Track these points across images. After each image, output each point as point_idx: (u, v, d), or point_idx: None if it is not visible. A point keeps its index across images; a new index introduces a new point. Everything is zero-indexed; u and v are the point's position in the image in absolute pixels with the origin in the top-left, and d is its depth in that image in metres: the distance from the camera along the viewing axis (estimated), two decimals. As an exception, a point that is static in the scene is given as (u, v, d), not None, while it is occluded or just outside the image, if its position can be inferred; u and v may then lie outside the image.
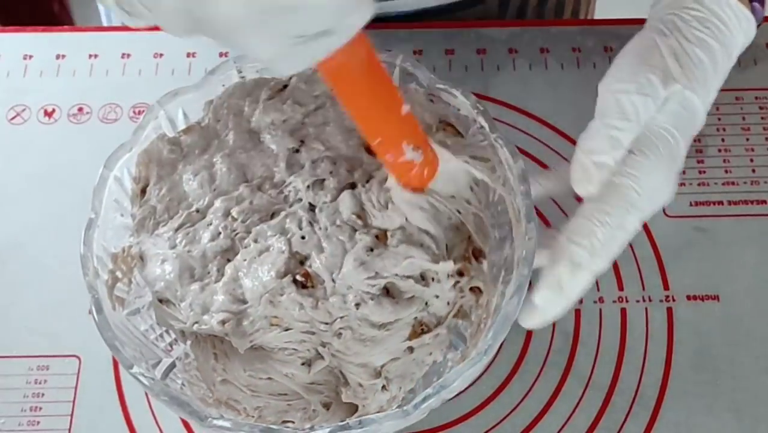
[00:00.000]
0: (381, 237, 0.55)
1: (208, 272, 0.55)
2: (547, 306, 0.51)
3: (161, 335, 0.56)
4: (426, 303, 0.55)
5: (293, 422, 0.55)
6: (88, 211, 0.54)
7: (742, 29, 0.56)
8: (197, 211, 0.57)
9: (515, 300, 0.51)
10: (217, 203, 0.57)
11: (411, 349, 0.55)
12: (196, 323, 0.54)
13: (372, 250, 0.54)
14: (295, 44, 0.41)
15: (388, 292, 0.54)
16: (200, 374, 0.55)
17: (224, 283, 0.54)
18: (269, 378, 0.55)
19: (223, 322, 0.53)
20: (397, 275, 0.54)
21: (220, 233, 0.56)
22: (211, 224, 0.56)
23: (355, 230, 0.55)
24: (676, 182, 0.53)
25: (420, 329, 0.55)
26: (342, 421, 0.52)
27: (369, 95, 0.49)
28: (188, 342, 0.56)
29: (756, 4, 0.57)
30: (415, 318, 0.54)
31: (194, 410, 0.49)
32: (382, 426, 0.49)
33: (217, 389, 0.55)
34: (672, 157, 0.52)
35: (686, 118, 0.53)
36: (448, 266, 0.54)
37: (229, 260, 0.56)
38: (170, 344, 0.56)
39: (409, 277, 0.54)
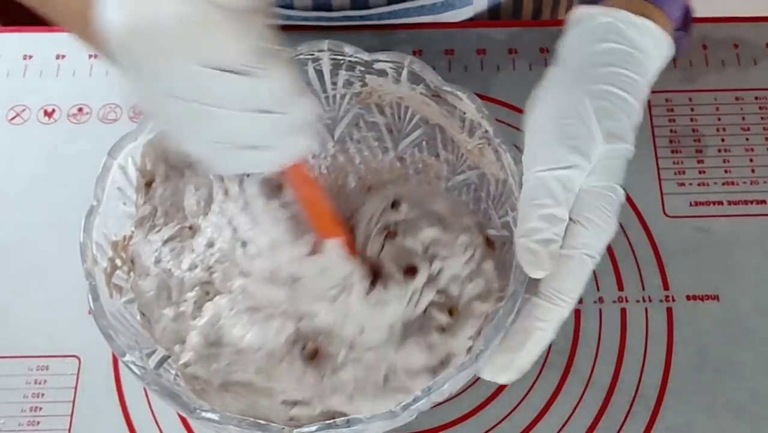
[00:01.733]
0: (454, 309, 0.55)
1: (185, 300, 0.55)
2: (503, 377, 0.52)
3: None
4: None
5: None
6: (90, 200, 0.55)
7: (661, 56, 0.56)
8: (190, 228, 0.57)
9: (509, 305, 0.51)
10: (205, 228, 0.57)
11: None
12: (168, 350, 0.54)
13: (443, 330, 0.54)
14: (230, 149, 0.45)
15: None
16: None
17: (202, 325, 0.54)
18: (248, 404, 0.54)
19: (185, 365, 0.53)
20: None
21: (197, 266, 0.56)
22: (193, 251, 0.56)
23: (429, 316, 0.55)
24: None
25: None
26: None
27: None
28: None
29: (682, 33, 0.58)
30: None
31: (184, 402, 0.49)
32: (370, 426, 0.49)
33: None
34: (616, 210, 0.52)
35: (616, 166, 0.53)
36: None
37: (207, 293, 0.55)
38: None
39: (470, 337, 0.54)
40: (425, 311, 0.55)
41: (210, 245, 0.56)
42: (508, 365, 0.51)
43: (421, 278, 0.55)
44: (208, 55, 0.41)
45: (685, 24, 0.58)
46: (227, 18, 0.41)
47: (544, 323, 0.50)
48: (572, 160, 0.51)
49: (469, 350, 0.54)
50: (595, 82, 0.53)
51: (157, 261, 0.56)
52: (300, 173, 0.52)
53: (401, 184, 0.61)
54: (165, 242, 0.56)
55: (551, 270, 0.51)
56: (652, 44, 0.55)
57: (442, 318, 0.54)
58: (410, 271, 0.55)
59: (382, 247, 0.56)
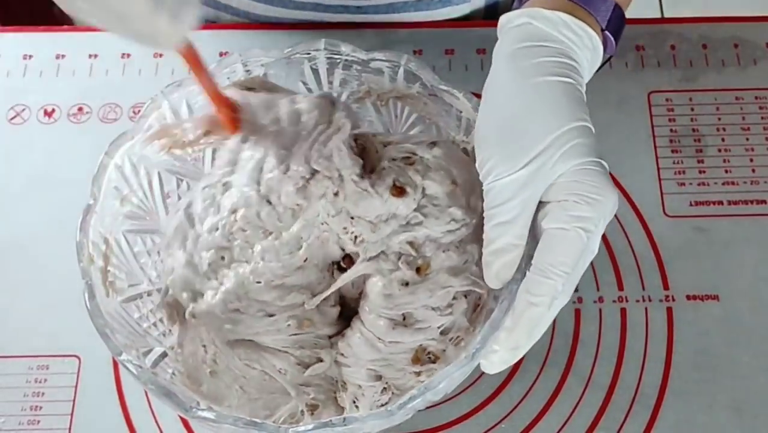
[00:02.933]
0: (423, 267, 0.55)
1: (200, 257, 0.55)
2: (506, 363, 0.52)
3: (155, 324, 0.56)
4: (442, 328, 0.55)
5: None
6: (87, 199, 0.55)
7: (585, 45, 0.55)
8: (224, 184, 0.56)
9: (505, 304, 0.51)
10: (232, 189, 0.56)
11: (418, 373, 0.55)
12: (177, 295, 0.55)
13: (407, 285, 0.55)
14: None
15: (404, 318, 0.55)
16: (186, 369, 0.55)
17: (226, 291, 0.54)
18: (263, 371, 0.55)
19: (192, 315, 0.54)
20: (425, 306, 0.54)
21: (217, 229, 0.55)
22: (218, 213, 0.56)
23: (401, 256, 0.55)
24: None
25: (426, 357, 0.55)
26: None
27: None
28: (177, 330, 0.56)
29: (608, 33, 0.57)
30: (420, 345, 0.55)
31: (180, 400, 0.49)
32: (365, 425, 0.49)
33: (204, 387, 0.54)
34: (605, 180, 0.50)
35: (580, 144, 0.51)
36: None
37: (223, 258, 0.55)
38: (163, 334, 0.56)
39: (435, 308, 0.54)
40: (399, 259, 0.55)
41: (233, 210, 0.55)
42: (502, 345, 0.51)
43: (405, 203, 0.55)
44: None
45: (615, 25, 0.58)
46: None
47: (538, 298, 0.49)
48: (519, 162, 0.50)
49: (441, 328, 0.55)
50: (521, 78, 0.53)
51: (189, 205, 0.56)
52: (191, 54, 0.52)
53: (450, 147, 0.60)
54: (204, 188, 0.56)
55: (508, 279, 0.51)
56: (572, 34, 0.55)
57: (408, 273, 0.55)
58: (399, 190, 0.55)
59: (393, 160, 0.57)
